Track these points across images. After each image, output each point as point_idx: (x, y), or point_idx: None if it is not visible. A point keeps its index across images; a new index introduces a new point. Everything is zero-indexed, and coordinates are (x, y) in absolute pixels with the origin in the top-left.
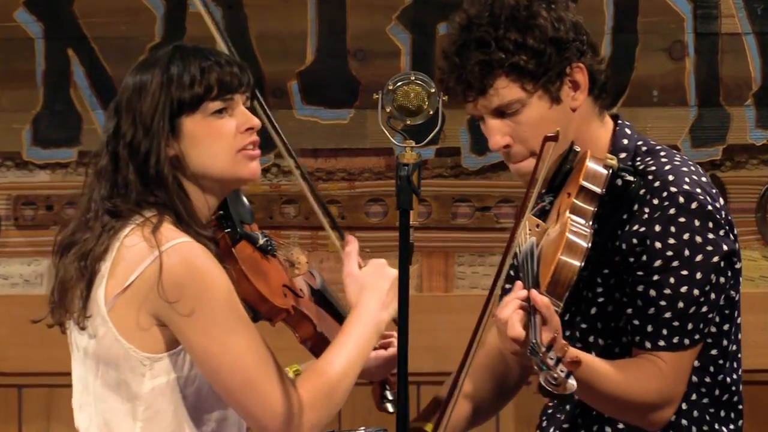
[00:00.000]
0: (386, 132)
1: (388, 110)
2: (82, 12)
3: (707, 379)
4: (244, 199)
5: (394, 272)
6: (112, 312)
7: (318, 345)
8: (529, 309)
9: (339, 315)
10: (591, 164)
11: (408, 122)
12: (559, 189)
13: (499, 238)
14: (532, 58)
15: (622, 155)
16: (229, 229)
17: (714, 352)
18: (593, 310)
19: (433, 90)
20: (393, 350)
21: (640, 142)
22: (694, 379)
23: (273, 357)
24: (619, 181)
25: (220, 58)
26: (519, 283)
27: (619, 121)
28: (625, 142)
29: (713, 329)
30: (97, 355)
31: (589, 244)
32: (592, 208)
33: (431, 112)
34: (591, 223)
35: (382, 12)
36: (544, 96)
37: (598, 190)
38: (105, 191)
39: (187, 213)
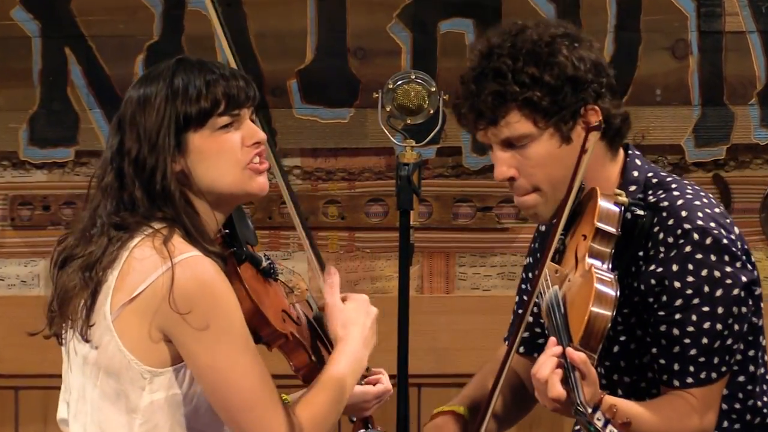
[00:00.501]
0: (386, 131)
1: (388, 109)
2: (79, 10)
3: (737, 406)
4: (249, 220)
5: (375, 310)
6: (116, 322)
7: (311, 374)
8: (567, 366)
9: (331, 346)
10: (603, 203)
11: (408, 121)
12: (568, 228)
13: (500, 238)
14: (546, 95)
15: (632, 188)
16: (234, 248)
17: (741, 378)
18: (615, 348)
19: (433, 89)
20: (381, 387)
21: (650, 174)
22: (724, 406)
23: (272, 381)
24: (629, 215)
25: (225, 71)
26: (553, 340)
27: (629, 152)
28: (635, 174)
29: (739, 357)
30: (98, 364)
31: (618, 292)
32: (609, 250)
33: (432, 111)
34: (609, 265)
35: (383, 10)
36: (555, 134)
37: (613, 230)
38: (111, 207)
39: (195, 228)
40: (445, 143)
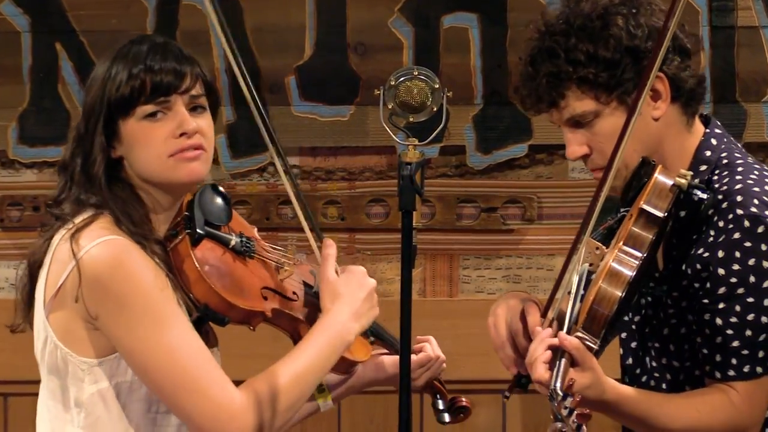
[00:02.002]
0: (388, 129)
1: (390, 107)
2: (70, 4)
3: None
4: (221, 198)
5: (372, 282)
6: (50, 317)
7: None
8: (558, 350)
9: None
10: (657, 183)
11: (411, 119)
12: (632, 203)
13: (505, 240)
14: (604, 70)
15: (703, 167)
16: (189, 230)
17: None
18: (665, 331)
19: (436, 86)
20: (423, 355)
21: (723, 154)
22: None
23: (209, 357)
24: (695, 197)
25: (165, 56)
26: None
27: (707, 130)
28: (708, 154)
29: None
30: (43, 362)
31: (634, 274)
32: (650, 236)
33: (435, 109)
34: (645, 253)
35: (384, 4)
36: (619, 107)
37: (660, 214)
38: (56, 193)
39: (123, 214)
40: (449, 142)
